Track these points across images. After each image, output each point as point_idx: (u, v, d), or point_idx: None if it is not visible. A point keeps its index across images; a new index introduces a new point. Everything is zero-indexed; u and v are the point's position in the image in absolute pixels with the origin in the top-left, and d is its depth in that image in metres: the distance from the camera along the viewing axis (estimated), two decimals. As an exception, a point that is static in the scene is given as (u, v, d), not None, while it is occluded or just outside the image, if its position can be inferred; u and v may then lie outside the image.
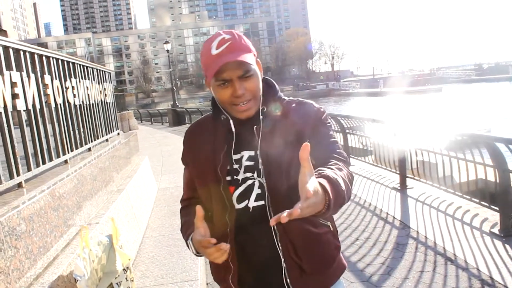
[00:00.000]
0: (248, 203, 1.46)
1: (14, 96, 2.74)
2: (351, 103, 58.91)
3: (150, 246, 4.05)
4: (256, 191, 1.46)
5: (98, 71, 5.21)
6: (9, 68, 2.73)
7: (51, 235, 2.50)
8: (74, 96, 4.00)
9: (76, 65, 4.18)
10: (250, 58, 1.42)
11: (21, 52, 2.93)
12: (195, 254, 1.51)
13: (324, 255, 1.54)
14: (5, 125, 2.58)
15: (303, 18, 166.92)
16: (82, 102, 4.27)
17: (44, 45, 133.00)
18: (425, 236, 4.87)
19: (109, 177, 4.18)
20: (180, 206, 1.73)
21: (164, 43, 30.76)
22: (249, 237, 1.48)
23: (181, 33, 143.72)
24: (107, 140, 5.29)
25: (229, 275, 1.50)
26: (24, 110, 2.85)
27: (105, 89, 5.47)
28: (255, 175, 1.46)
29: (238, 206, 1.47)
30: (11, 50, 2.78)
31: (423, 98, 45.65)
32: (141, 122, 34.19)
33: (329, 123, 1.58)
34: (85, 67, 4.53)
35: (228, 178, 1.47)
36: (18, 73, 2.80)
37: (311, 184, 1.14)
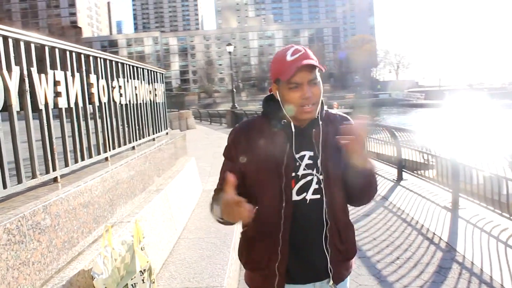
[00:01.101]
0: (306, 195, 1.72)
1: (57, 94, 2.86)
2: (414, 114, 57.02)
3: (183, 247, 4.10)
4: (314, 186, 1.73)
5: (149, 71, 5.34)
6: (53, 67, 2.85)
7: (78, 231, 2.58)
8: (121, 95, 4.12)
9: (125, 65, 4.31)
10: (320, 67, 1.68)
11: (67, 52, 3.05)
12: (218, 220, 1.73)
13: (355, 244, 1.91)
14: (45, 121, 2.70)
15: (370, 25, 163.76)
16: (129, 101, 4.39)
17: (114, 42, 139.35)
18: (472, 262, 4.60)
19: (149, 176, 4.27)
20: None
21: (227, 45, 31.24)
22: (301, 227, 1.73)
23: (246, 36, 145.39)
24: (153, 139, 5.41)
25: (275, 263, 1.73)
26: (66, 108, 2.97)
27: (155, 89, 5.60)
28: (314, 171, 1.72)
29: (296, 198, 1.72)
30: (57, 50, 2.90)
31: (489, 113, 43.35)
32: (200, 121, 34.92)
33: None
34: (134, 67, 4.65)
35: (293, 174, 1.71)
36: (63, 72, 2.92)
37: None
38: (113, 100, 3.93)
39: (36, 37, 2.62)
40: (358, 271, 4.56)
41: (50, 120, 2.74)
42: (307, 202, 1.73)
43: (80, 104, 3.19)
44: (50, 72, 2.76)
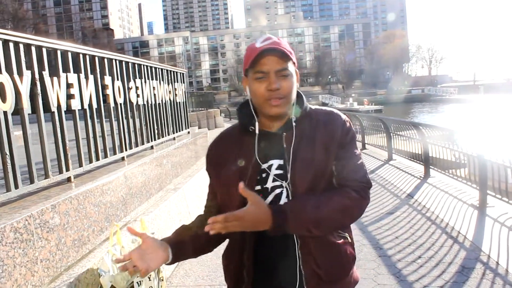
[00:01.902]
0: None
1: (70, 96, 2.94)
2: (447, 110, 55.68)
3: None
4: (284, 200, 1.48)
5: (168, 71, 5.42)
6: (66, 70, 2.93)
7: (89, 229, 2.65)
8: (138, 96, 4.19)
9: (142, 66, 4.38)
10: (289, 56, 1.48)
11: (81, 56, 3.13)
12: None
13: (342, 264, 1.57)
14: (57, 123, 2.78)
15: (401, 19, 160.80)
16: (147, 101, 4.47)
17: (145, 43, 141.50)
18: (497, 262, 4.45)
19: (167, 175, 4.33)
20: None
21: (255, 43, 31.20)
22: (269, 246, 1.50)
23: (276, 34, 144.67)
24: (174, 138, 5.48)
25: (242, 285, 1.54)
26: (79, 110, 3.05)
27: (175, 89, 5.67)
28: (284, 183, 1.48)
29: None
30: (69, 54, 2.98)
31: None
32: (230, 119, 35.04)
33: (354, 137, 1.60)
34: (152, 68, 4.73)
35: (258, 187, 1.50)
36: (76, 74, 3.00)
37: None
38: (130, 100, 4.00)
39: (47, 41, 2.70)
40: (378, 270, 4.49)
41: (63, 122, 2.82)
42: None
43: (95, 106, 3.28)
44: (62, 75, 2.84)
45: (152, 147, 4.56)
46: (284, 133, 1.51)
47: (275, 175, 1.49)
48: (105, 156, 3.44)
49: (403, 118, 27.73)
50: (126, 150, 3.84)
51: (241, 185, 1.36)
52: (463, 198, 7.07)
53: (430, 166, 8.91)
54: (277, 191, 1.49)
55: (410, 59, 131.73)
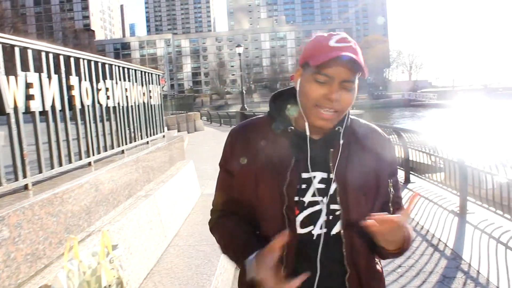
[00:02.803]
0: (313, 229, 1.34)
1: (29, 97, 2.72)
2: (427, 115, 56.35)
3: (172, 255, 3.94)
4: (323, 217, 1.34)
5: (142, 73, 5.21)
6: (25, 69, 2.72)
7: (45, 242, 2.43)
8: (108, 97, 3.98)
9: (113, 66, 4.17)
10: (362, 69, 1.31)
11: (43, 54, 2.92)
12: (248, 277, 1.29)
13: None
14: (13, 125, 2.56)
15: (383, 26, 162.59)
16: (118, 104, 4.26)
17: (127, 44, 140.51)
18: (477, 271, 4.37)
19: (137, 181, 4.12)
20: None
21: (236, 46, 31.18)
22: (307, 270, 1.29)
23: (258, 37, 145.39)
24: (147, 142, 5.27)
25: None
26: (40, 112, 2.83)
27: (150, 91, 5.46)
28: (325, 200, 1.33)
29: (300, 231, 1.34)
30: (29, 51, 2.77)
31: (503, 113, 42.58)
32: (211, 123, 34.90)
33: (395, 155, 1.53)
34: (125, 69, 4.52)
35: (296, 198, 1.33)
36: (37, 74, 2.79)
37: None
38: (99, 102, 3.79)
39: (3, 37, 2.48)
40: (357, 280, 4.36)
41: (20, 124, 2.60)
42: (313, 238, 1.34)
43: (58, 107, 3.06)
44: (21, 74, 2.63)
45: (123, 151, 4.35)
46: (329, 145, 1.37)
47: (316, 189, 1.34)
48: (69, 162, 3.22)
49: (383, 122, 27.93)
50: (93, 154, 3.62)
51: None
52: (444, 204, 7.02)
53: (410, 172, 8.88)
54: (317, 207, 1.34)
55: (391, 64, 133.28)
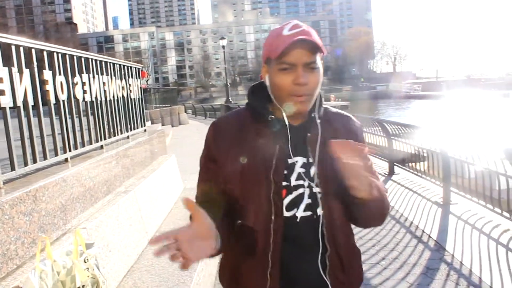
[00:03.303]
0: (296, 211, 1.40)
1: (-1, 92, 2.63)
2: (412, 106, 56.80)
3: (152, 252, 3.87)
4: (306, 200, 1.40)
5: (121, 66, 5.11)
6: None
7: (17, 242, 2.35)
8: (85, 92, 3.88)
9: (90, 60, 4.07)
10: (320, 49, 1.36)
11: (13, 47, 2.81)
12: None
13: (361, 274, 1.58)
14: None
15: (367, 17, 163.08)
16: (96, 98, 4.16)
17: (110, 38, 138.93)
18: (461, 262, 4.39)
19: (116, 177, 4.04)
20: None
21: (220, 39, 30.98)
22: (293, 251, 1.41)
23: (243, 30, 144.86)
24: (127, 137, 5.18)
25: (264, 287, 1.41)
26: (11, 107, 2.73)
27: (130, 85, 5.36)
28: (306, 183, 1.40)
29: (286, 214, 1.40)
30: (-2, 44, 2.66)
31: (486, 104, 43.09)
32: (195, 116, 34.71)
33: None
34: (102, 62, 4.41)
35: (284, 183, 1.40)
36: (6, 68, 2.69)
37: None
38: (75, 97, 3.69)
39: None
40: (341, 273, 4.34)
41: (-10, 121, 2.51)
42: (297, 220, 1.40)
43: (31, 103, 2.96)
44: (-11, 68, 2.53)
45: (102, 146, 4.26)
46: (307, 131, 1.43)
47: (298, 173, 1.40)
48: (44, 158, 3.12)
49: (368, 114, 28.04)
50: (70, 150, 3.52)
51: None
52: (427, 195, 7.06)
53: (395, 163, 8.91)
54: (300, 190, 1.40)
55: (375, 55, 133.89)
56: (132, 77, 5.49)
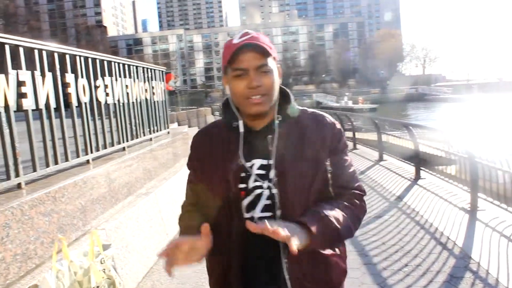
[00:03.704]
0: (253, 212, 1.44)
1: (21, 95, 2.69)
2: (441, 109, 55.66)
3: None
4: (264, 201, 1.43)
5: (145, 69, 5.17)
6: (16, 67, 2.68)
7: (37, 242, 2.40)
8: (107, 95, 3.95)
9: (113, 63, 4.13)
10: (269, 52, 1.43)
11: (36, 51, 2.88)
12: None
13: (330, 278, 1.51)
14: (6, 124, 2.53)
15: (396, 19, 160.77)
16: (118, 100, 4.22)
17: (139, 40, 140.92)
18: (487, 271, 4.24)
19: (137, 179, 4.09)
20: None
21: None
22: (253, 253, 1.44)
23: (270, 32, 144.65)
24: (150, 139, 5.23)
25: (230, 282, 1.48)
26: (33, 110, 2.80)
27: (153, 87, 5.42)
28: (265, 184, 1.43)
29: (246, 215, 1.44)
30: (21, 49, 2.73)
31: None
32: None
33: (345, 143, 1.58)
34: (125, 66, 4.48)
35: (240, 186, 1.44)
36: (29, 72, 2.75)
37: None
38: (97, 99, 3.75)
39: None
40: (362, 279, 4.27)
41: (12, 123, 2.57)
42: (255, 221, 1.41)
43: (53, 105, 3.03)
44: (12, 72, 2.59)
45: (124, 148, 4.31)
46: (269, 134, 1.47)
47: (257, 174, 1.44)
48: (66, 160, 3.18)
49: (397, 117, 27.62)
50: (91, 152, 3.58)
51: (248, 224, 1.27)
52: (454, 201, 6.87)
53: (421, 167, 8.72)
54: (258, 191, 1.44)
55: (404, 58, 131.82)
56: (155, 80, 5.56)
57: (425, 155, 8.44)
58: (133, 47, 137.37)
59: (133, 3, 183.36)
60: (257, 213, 1.43)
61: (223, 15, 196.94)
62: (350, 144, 14.07)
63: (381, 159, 10.79)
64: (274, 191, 1.42)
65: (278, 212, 1.41)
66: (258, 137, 1.47)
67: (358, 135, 13.66)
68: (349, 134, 14.57)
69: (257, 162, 1.45)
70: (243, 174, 1.44)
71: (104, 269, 2.31)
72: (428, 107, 59.85)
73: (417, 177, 8.71)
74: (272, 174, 1.43)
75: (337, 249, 1.54)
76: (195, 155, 1.60)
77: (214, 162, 1.50)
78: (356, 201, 1.50)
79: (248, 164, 1.45)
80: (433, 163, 8.24)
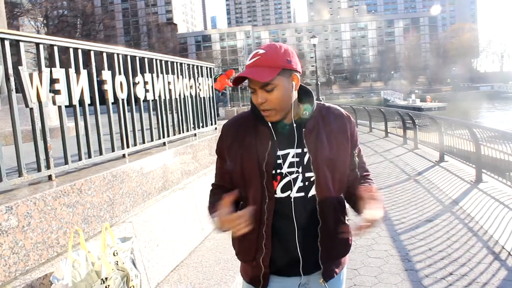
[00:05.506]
0: (290, 193, 1.70)
1: (55, 92, 2.83)
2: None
3: (206, 249, 3.95)
4: (299, 184, 1.70)
5: (190, 66, 5.26)
6: (52, 65, 2.82)
7: (59, 231, 2.52)
8: (147, 91, 4.06)
9: (154, 60, 4.24)
10: (268, 74, 1.60)
11: (71, 50, 3.02)
12: (218, 230, 1.68)
13: (347, 243, 1.85)
14: (37, 119, 2.67)
15: (471, 12, 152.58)
16: (159, 97, 4.33)
17: (207, 37, 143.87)
18: (543, 287, 3.93)
19: (173, 173, 4.17)
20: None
21: (311, 37, 30.80)
22: (287, 224, 1.71)
23: (338, 28, 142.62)
24: (195, 135, 5.32)
25: (260, 255, 1.73)
26: (66, 106, 2.94)
27: (199, 84, 5.51)
28: (300, 169, 1.69)
29: (281, 195, 1.70)
30: (55, 48, 2.87)
31: None
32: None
33: (357, 132, 1.87)
34: (168, 63, 4.58)
35: (273, 172, 1.69)
36: (63, 69, 2.89)
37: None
38: (135, 96, 3.87)
39: (24, 35, 2.59)
40: (400, 286, 4.10)
41: (44, 117, 2.71)
42: (291, 199, 1.70)
43: (88, 101, 3.16)
44: (45, 70, 2.73)
45: (164, 143, 4.42)
46: (299, 125, 1.71)
47: (290, 162, 1.69)
48: (100, 154, 3.32)
49: (464, 117, 26.13)
50: (128, 147, 3.71)
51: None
52: (514, 207, 6.42)
53: (483, 170, 8.23)
54: (293, 176, 1.70)
55: (480, 53, 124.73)
56: (202, 76, 5.64)
57: (487, 158, 7.96)
58: (202, 43, 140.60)
59: (203, 0, 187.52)
60: (293, 193, 1.69)
61: (291, 11, 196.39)
62: (411, 144, 13.53)
63: (441, 160, 10.32)
64: (309, 174, 1.70)
65: (312, 192, 1.71)
66: (291, 130, 1.71)
67: (420, 135, 13.10)
68: (410, 134, 14.03)
69: (291, 151, 1.70)
70: (279, 161, 1.69)
71: (117, 261, 2.39)
72: (504, 107, 56.21)
73: (478, 180, 8.24)
74: (305, 160, 1.69)
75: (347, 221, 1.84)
76: (226, 143, 1.80)
77: (246, 150, 1.72)
78: (371, 180, 1.88)
79: (281, 152, 1.70)
80: (497, 167, 7.74)
